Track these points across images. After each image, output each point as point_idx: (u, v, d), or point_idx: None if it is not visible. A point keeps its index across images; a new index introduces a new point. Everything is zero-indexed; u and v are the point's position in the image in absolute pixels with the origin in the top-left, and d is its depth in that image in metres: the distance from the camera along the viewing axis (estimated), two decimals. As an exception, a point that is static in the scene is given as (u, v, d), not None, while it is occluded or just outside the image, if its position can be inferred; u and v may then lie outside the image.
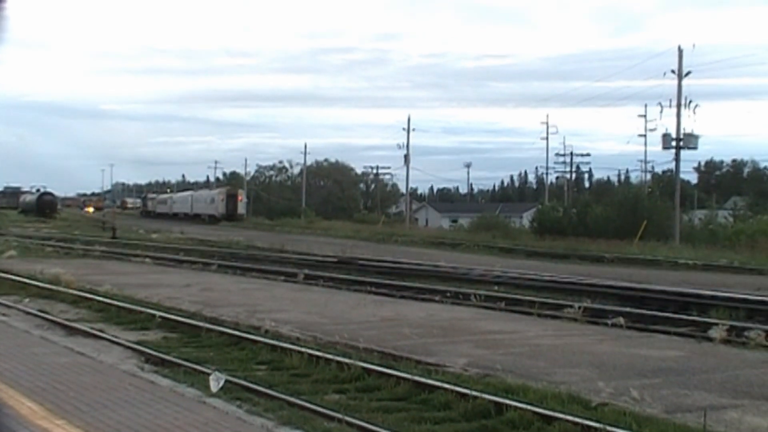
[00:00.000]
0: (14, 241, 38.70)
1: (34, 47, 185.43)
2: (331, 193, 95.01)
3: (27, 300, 17.45)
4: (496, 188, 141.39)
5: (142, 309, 15.36)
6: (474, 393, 8.41)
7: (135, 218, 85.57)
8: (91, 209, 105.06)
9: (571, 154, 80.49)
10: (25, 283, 20.03)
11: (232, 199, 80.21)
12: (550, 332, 13.86)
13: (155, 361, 10.80)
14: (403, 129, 72.10)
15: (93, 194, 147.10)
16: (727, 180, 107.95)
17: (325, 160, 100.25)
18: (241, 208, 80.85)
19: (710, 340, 13.17)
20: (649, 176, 73.86)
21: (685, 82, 46.23)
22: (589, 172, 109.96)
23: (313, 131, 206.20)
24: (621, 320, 14.97)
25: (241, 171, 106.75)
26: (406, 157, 72.22)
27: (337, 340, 12.09)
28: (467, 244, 43.56)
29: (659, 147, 49.44)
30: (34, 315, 15.25)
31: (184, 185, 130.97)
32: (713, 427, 7.56)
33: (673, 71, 46.24)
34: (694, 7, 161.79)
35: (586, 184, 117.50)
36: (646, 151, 71.73)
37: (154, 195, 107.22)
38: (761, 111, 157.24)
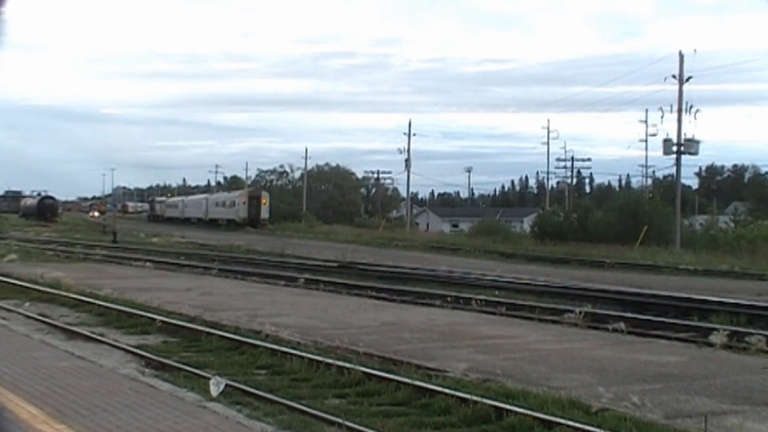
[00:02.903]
0: (15, 245, 38.73)
1: (35, 51, 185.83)
2: (332, 198, 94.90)
3: (27, 304, 17.45)
4: (497, 193, 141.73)
5: (143, 313, 15.37)
6: (474, 398, 8.40)
7: (140, 223, 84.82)
8: (97, 213, 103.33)
9: (572, 158, 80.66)
10: (26, 287, 20.05)
11: (254, 202, 72.65)
12: (551, 337, 13.86)
13: (155, 366, 10.81)
14: (404, 133, 72.23)
15: (94, 198, 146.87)
16: (727, 185, 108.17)
17: (326, 164, 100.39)
18: (265, 212, 73.04)
19: (711, 345, 13.14)
20: (649, 181, 74.03)
21: (686, 87, 46.29)
22: (590, 177, 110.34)
23: (314, 135, 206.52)
24: (622, 325, 14.95)
25: (242, 175, 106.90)
26: (407, 162, 72.32)
27: (338, 344, 12.08)
28: (468, 248, 43.53)
29: (660, 152, 49.48)
30: (34, 319, 15.27)
31: (185, 189, 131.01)
32: (714, 432, 7.55)
33: (674, 76, 46.29)
34: (695, 13, 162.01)
35: (587, 189, 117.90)
36: (647, 156, 72.08)
37: (162, 198, 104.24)
38: (762, 116, 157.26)
